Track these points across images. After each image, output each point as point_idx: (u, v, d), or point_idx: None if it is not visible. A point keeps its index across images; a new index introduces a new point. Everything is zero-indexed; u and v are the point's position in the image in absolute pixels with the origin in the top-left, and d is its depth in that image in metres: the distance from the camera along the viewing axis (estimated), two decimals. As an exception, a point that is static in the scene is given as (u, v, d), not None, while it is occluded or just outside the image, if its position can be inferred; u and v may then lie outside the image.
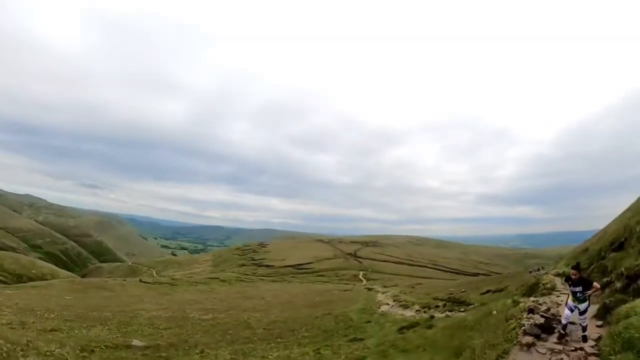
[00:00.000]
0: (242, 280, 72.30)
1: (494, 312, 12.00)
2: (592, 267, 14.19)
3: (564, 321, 8.12)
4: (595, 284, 8.05)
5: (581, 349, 6.94)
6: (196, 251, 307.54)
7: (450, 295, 29.41)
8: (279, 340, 17.60)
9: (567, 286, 8.32)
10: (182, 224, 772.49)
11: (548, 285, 15.81)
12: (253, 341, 17.30)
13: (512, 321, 9.59)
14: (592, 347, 7.21)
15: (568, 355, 6.72)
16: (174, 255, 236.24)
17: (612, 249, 13.94)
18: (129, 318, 21.48)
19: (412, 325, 17.27)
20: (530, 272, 33.09)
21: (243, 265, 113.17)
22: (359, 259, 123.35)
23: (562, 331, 8.11)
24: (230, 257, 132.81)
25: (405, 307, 27.72)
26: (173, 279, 67.50)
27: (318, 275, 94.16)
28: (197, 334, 18.19)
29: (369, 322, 22.30)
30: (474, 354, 8.31)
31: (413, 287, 49.03)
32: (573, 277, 7.83)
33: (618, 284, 9.94)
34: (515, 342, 7.94)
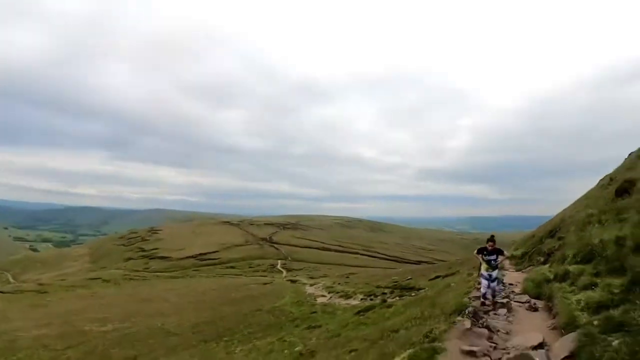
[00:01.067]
0: (131, 279, 72.06)
1: (452, 284, 17.07)
2: (533, 250, 19.62)
3: (483, 290, 11.02)
4: (505, 252, 11.83)
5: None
6: (64, 243, 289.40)
7: (396, 283, 33.26)
8: (225, 339, 20.06)
9: (481, 257, 11.21)
10: (42, 205, 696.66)
11: (499, 266, 21.68)
12: (192, 345, 19.70)
13: (469, 284, 14.59)
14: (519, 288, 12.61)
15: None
16: (34, 250, 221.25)
17: (549, 236, 19.61)
18: (8, 343, 21.98)
19: (369, 308, 20.66)
20: (483, 256, 39.13)
21: (130, 259, 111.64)
22: (275, 246, 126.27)
23: (482, 299, 10.95)
24: (113, 249, 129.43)
25: (347, 297, 31.20)
26: (40, 285, 64.97)
27: (227, 267, 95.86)
28: (112, 349, 19.88)
29: (314, 312, 25.60)
30: (442, 309, 11.81)
31: (347, 277, 53.86)
32: (489, 247, 10.95)
33: (541, 259, 16.53)
34: (470, 295, 12.12)
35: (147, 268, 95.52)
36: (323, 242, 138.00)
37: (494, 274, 10.83)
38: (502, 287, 11.92)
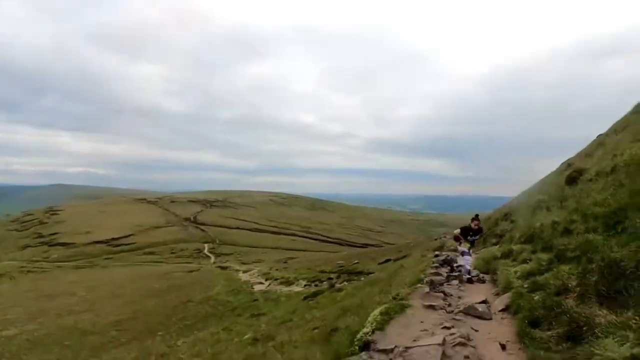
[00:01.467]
0: (29, 271, 67.23)
1: (404, 265, 19.45)
2: (489, 232, 22.13)
3: (468, 267, 11.74)
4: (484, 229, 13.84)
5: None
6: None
7: (342, 268, 34.48)
8: (160, 333, 20.54)
9: (463, 239, 12.22)
10: None
11: (452, 248, 22.03)
12: (122, 343, 19.92)
13: (423, 264, 16.12)
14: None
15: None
16: None
17: (504, 219, 22.82)
18: None
19: (317, 293, 21.56)
20: (436, 239, 40.11)
21: (27, 246, 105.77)
22: (201, 227, 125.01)
23: (468, 275, 11.58)
24: (5, 236, 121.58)
25: (289, 283, 31.99)
26: None
27: (145, 254, 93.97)
28: (23, 355, 19.43)
29: (255, 300, 26.33)
30: (400, 282, 13.29)
31: (285, 262, 54.88)
32: (474, 227, 12.05)
33: (494, 240, 19.87)
34: (426, 272, 13.21)
35: (47, 257, 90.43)
36: (256, 223, 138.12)
37: (471, 251, 12.17)
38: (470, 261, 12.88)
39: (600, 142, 22.75)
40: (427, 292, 9.52)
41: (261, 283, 35.25)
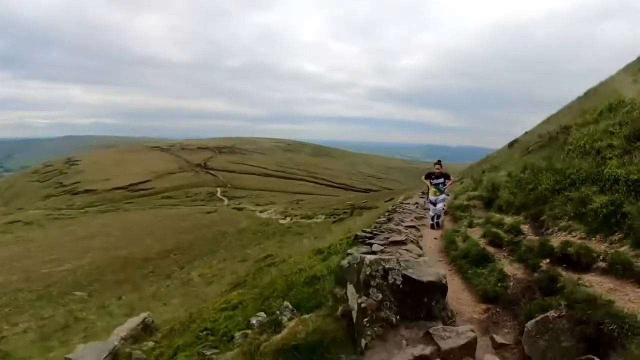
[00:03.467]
0: (56, 219, 70.55)
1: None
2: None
3: (431, 213, 12.56)
4: (452, 177, 13.42)
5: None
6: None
7: (353, 205, 37.09)
8: (222, 251, 23.96)
9: (429, 182, 12.65)
10: None
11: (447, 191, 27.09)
12: (188, 261, 23.30)
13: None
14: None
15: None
16: None
17: (490, 170, 23.94)
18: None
19: (341, 218, 25.81)
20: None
21: (50, 196, 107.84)
22: (212, 172, 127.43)
23: (431, 222, 12.56)
24: (27, 187, 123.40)
25: (309, 217, 35.11)
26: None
27: (163, 198, 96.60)
28: (101, 276, 22.75)
29: (290, 227, 29.66)
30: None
31: (297, 203, 58.20)
32: (437, 170, 12.34)
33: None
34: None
35: (72, 205, 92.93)
36: (264, 168, 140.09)
37: (441, 197, 12.35)
38: (444, 208, 13.06)
39: (547, 119, 26.02)
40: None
41: (283, 219, 37.65)
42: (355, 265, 5.35)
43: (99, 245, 34.99)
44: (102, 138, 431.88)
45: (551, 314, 4.80)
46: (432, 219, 12.49)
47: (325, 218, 32.45)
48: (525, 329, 4.82)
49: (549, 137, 15.70)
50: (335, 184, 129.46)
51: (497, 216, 10.58)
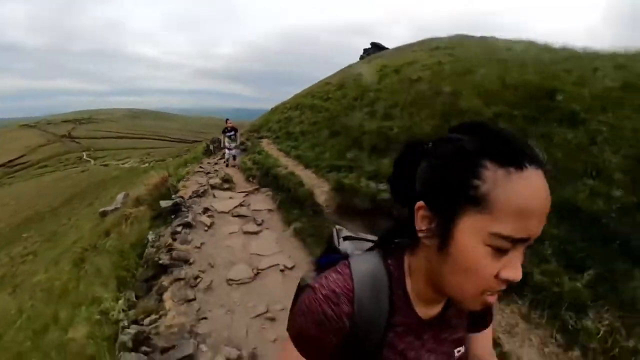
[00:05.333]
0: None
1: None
2: (254, 131, 26.90)
3: (227, 156, 14.11)
4: (238, 130, 15.01)
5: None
6: None
7: (188, 149, 44.49)
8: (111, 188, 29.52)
9: (224, 135, 14.39)
10: None
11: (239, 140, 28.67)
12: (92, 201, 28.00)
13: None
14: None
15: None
16: None
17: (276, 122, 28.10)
18: None
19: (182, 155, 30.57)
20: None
21: None
22: (76, 140, 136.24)
23: (226, 162, 14.01)
24: None
25: (163, 160, 42.21)
26: None
27: (39, 167, 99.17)
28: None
29: (152, 168, 33.05)
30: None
31: (148, 154, 68.55)
32: (229, 125, 14.25)
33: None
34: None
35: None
36: (117, 132, 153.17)
37: (234, 144, 14.29)
38: (240, 152, 14.53)
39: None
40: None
41: (143, 164, 47.22)
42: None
43: (3, 214, 35.35)
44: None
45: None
46: (228, 159, 14.07)
47: (172, 159, 36.43)
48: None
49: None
50: (173, 139, 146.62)
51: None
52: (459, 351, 0.96)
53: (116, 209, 13.76)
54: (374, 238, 0.99)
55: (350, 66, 26.88)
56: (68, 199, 33.22)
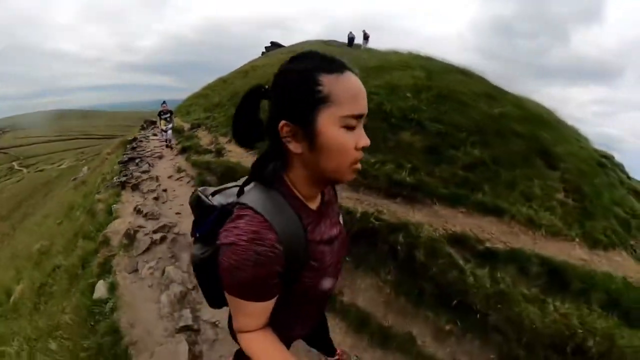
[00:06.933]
0: None
1: None
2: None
3: (164, 137, 14.51)
4: (173, 112, 15.76)
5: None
6: None
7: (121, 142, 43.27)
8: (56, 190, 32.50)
9: (160, 118, 14.82)
10: None
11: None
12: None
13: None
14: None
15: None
16: None
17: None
18: None
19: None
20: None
21: None
22: (3, 151, 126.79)
23: (166, 144, 14.22)
24: None
25: (98, 154, 39.61)
26: None
27: None
28: None
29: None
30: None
31: (82, 153, 68.44)
32: (164, 109, 14.73)
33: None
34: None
35: None
36: (45, 136, 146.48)
37: (169, 126, 14.54)
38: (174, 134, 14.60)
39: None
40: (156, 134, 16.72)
41: (81, 163, 43.96)
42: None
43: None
44: None
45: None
46: (166, 141, 14.33)
47: (107, 154, 33.54)
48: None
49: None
50: (103, 136, 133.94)
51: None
52: (340, 225, 1.24)
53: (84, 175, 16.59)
54: (240, 183, 1.08)
55: (251, 61, 30.13)
56: (16, 206, 32.58)
